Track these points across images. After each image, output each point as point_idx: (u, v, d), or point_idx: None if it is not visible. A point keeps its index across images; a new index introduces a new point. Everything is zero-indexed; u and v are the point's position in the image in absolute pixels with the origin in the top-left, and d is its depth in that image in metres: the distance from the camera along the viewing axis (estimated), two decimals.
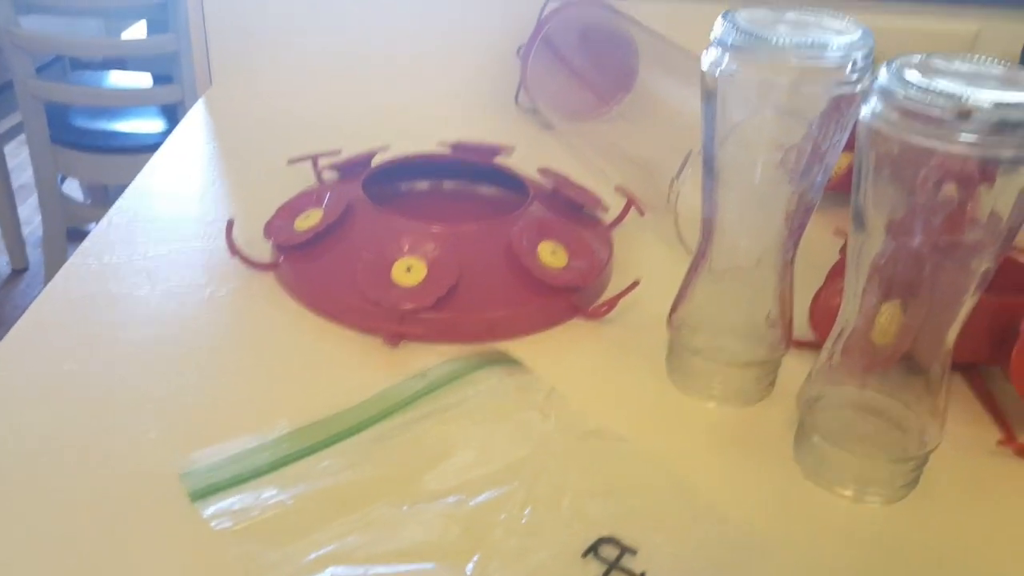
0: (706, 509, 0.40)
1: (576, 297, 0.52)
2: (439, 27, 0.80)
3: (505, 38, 0.79)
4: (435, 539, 0.37)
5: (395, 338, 0.48)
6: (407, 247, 0.51)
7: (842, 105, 0.39)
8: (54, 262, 1.84)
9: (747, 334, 0.46)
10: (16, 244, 2.05)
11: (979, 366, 0.49)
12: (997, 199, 0.34)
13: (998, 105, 0.32)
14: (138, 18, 2.12)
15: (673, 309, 0.47)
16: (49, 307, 0.49)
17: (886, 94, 0.34)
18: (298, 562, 0.35)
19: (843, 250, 0.55)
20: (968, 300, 0.37)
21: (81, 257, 0.54)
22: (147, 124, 1.79)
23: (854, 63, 0.38)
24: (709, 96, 0.40)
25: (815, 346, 0.49)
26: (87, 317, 0.49)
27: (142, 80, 1.93)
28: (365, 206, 0.54)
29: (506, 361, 0.48)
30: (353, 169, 0.61)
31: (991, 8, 0.80)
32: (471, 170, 0.64)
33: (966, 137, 0.32)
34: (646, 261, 0.59)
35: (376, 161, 0.61)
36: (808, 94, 0.39)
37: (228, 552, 0.36)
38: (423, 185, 0.65)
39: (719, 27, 0.39)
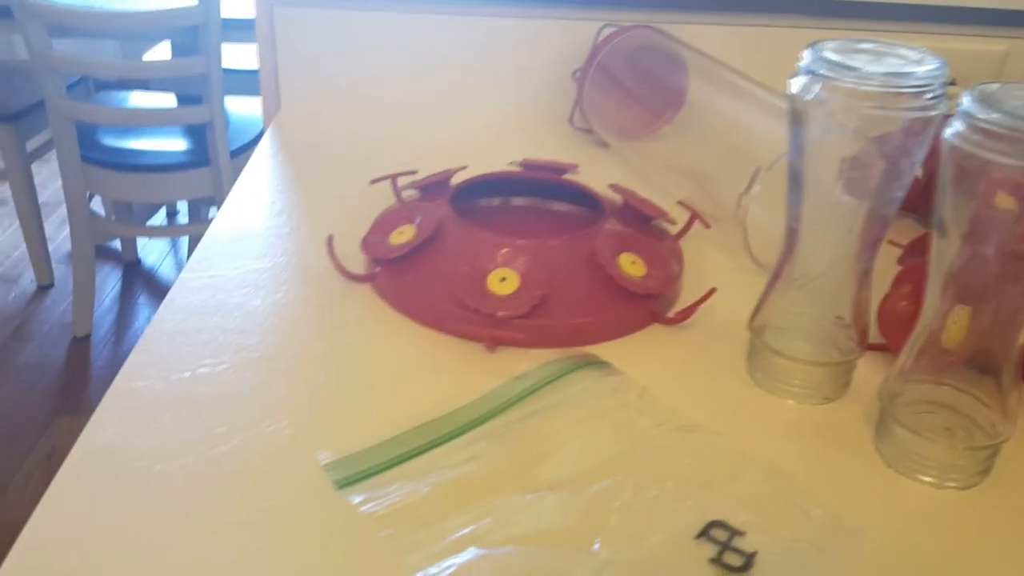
0: (800, 496, 0.43)
1: (655, 304, 0.56)
2: (500, 52, 0.84)
3: (560, 63, 0.83)
4: (559, 524, 0.41)
5: (494, 343, 0.52)
6: (500, 260, 0.55)
7: (919, 127, 0.43)
8: (83, 279, 1.87)
9: (825, 337, 0.50)
10: (42, 260, 2.08)
11: None
12: None
13: None
14: (162, 40, 2.17)
15: (755, 312, 0.51)
16: (170, 317, 0.53)
17: (968, 117, 0.38)
18: (441, 542, 0.39)
19: (901, 260, 0.59)
20: None
21: (189, 272, 0.58)
22: (171, 143, 1.83)
23: (932, 89, 0.42)
24: (797, 118, 0.44)
25: (884, 349, 0.53)
26: (207, 325, 0.53)
27: (165, 100, 1.97)
28: (456, 223, 0.58)
29: (597, 364, 0.52)
30: (432, 188, 0.65)
31: (1018, 28, 0.85)
32: (541, 186, 0.68)
33: None
34: (712, 270, 0.63)
35: (455, 180, 0.65)
36: (889, 118, 0.43)
37: (377, 533, 0.39)
38: (495, 201, 0.68)
39: (807, 56, 0.43)
